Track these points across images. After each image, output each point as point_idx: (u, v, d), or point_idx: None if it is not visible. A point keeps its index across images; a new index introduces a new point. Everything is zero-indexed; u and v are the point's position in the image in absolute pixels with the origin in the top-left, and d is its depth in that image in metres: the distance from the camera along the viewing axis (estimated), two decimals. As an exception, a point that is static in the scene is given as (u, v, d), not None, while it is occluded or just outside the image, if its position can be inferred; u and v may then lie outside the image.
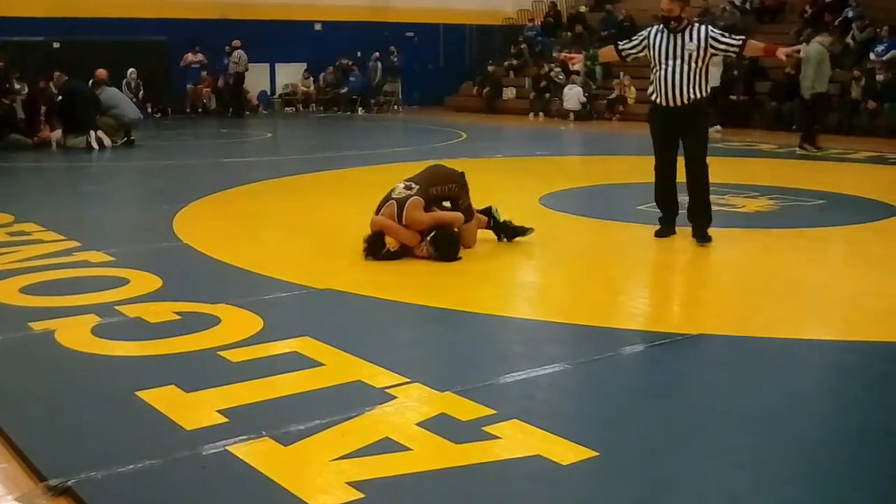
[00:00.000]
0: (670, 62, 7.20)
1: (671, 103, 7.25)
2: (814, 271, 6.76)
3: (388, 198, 7.04)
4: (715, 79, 19.83)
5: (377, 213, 6.98)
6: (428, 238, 6.82)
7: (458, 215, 7.09)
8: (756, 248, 7.60)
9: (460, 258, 6.84)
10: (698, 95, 7.23)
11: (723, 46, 7.23)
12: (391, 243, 6.81)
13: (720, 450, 3.61)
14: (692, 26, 7.23)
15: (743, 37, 7.58)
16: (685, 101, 7.21)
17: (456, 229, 6.99)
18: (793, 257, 7.25)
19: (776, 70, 19.92)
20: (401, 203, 6.91)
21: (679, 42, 7.17)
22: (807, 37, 19.53)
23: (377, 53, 25.62)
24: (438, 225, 6.91)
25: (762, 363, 4.72)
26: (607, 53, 8.00)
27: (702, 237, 7.39)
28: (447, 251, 6.82)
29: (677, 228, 7.65)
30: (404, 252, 6.84)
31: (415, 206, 6.90)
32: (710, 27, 7.40)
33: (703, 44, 7.15)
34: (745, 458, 3.52)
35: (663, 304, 5.83)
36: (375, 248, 6.83)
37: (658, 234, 7.61)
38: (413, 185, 7.05)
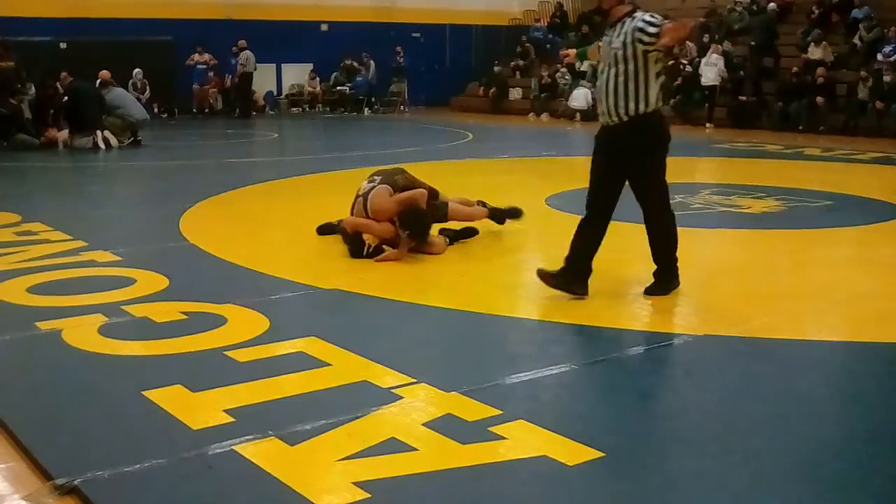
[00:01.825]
0: (604, 67, 5.67)
1: (605, 120, 5.69)
2: (820, 272, 6.75)
3: (356, 196, 7.09)
4: (709, 78, 20.09)
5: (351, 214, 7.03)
6: (400, 227, 6.77)
7: (422, 191, 7.08)
8: (762, 249, 7.60)
9: (435, 250, 6.83)
10: (634, 111, 5.52)
11: (648, 39, 5.41)
12: (369, 239, 6.82)
13: (725, 450, 3.61)
14: (628, 18, 5.55)
15: (666, 20, 5.60)
16: (618, 118, 5.59)
17: (425, 206, 6.98)
18: (799, 258, 7.24)
19: (783, 70, 19.93)
20: (365, 196, 6.96)
21: (610, 41, 5.64)
22: (815, 37, 19.63)
23: (365, 53, 25.59)
24: (404, 207, 6.85)
25: (767, 364, 4.71)
26: (594, 52, 6.49)
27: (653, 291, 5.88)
28: (417, 226, 6.74)
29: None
30: (388, 246, 6.83)
31: (378, 195, 6.92)
32: (644, 16, 5.51)
33: (628, 39, 5.49)
34: (750, 458, 3.51)
35: (668, 305, 5.82)
36: (357, 248, 6.85)
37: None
38: (375, 178, 7.12)
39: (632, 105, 5.53)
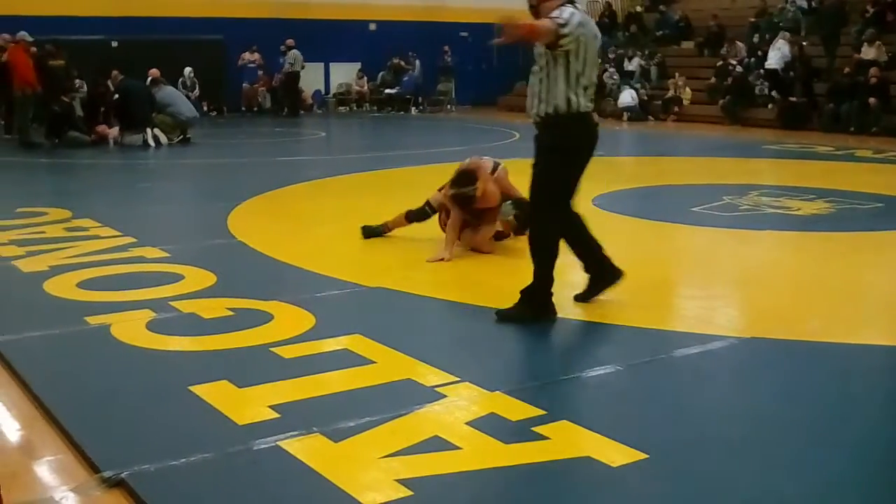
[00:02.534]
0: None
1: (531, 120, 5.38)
2: (870, 276, 6.66)
3: (478, 158, 7.45)
4: (773, 62, 20.03)
5: None
6: (510, 202, 7.12)
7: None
8: (811, 252, 7.51)
9: None
10: (544, 112, 5.19)
11: None
12: (477, 186, 6.97)
13: (772, 454, 3.56)
14: (556, 12, 5.02)
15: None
16: (535, 118, 5.31)
17: None
18: (849, 261, 7.14)
19: (835, 70, 19.64)
20: (496, 162, 7.35)
21: None
22: (868, 37, 19.31)
23: (412, 52, 25.65)
24: (521, 198, 7.09)
25: (815, 368, 4.65)
26: None
27: (502, 314, 5.33)
28: (527, 215, 6.94)
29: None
30: (480, 211, 7.03)
31: (506, 172, 7.35)
32: (564, 10, 5.01)
33: None
34: (798, 462, 3.47)
35: (716, 307, 5.77)
36: (465, 181, 6.98)
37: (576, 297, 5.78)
38: (499, 161, 7.50)
39: (542, 107, 5.19)
